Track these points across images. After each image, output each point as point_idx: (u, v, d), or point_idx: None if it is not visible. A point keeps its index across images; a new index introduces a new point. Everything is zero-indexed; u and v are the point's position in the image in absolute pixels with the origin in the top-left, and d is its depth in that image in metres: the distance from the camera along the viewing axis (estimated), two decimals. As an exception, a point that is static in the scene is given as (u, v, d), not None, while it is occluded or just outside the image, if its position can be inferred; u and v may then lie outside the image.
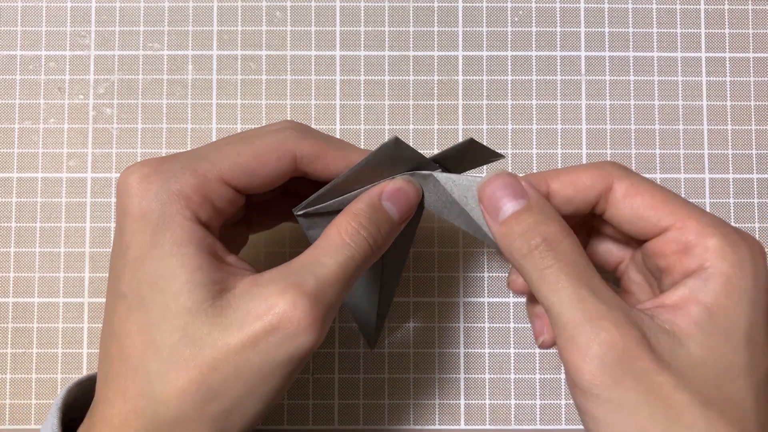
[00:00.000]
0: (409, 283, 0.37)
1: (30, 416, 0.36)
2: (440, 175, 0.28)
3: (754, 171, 0.38)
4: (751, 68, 0.38)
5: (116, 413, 0.24)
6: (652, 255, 0.26)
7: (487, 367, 0.37)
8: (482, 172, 0.38)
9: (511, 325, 0.37)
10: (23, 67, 0.38)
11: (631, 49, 0.38)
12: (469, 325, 0.37)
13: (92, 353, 0.36)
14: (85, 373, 0.36)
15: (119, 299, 0.25)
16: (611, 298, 0.24)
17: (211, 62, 0.38)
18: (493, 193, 0.26)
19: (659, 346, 0.23)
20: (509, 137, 0.38)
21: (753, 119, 0.38)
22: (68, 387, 0.28)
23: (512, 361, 0.37)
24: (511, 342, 0.37)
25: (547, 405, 0.36)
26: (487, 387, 0.37)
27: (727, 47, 0.38)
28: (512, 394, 0.36)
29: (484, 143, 0.34)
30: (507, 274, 0.37)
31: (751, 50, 0.38)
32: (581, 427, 0.36)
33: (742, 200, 0.37)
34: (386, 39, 0.38)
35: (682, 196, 0.37)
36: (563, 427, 0.36)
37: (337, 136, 0.37)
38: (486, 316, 0.37)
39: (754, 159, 0.38)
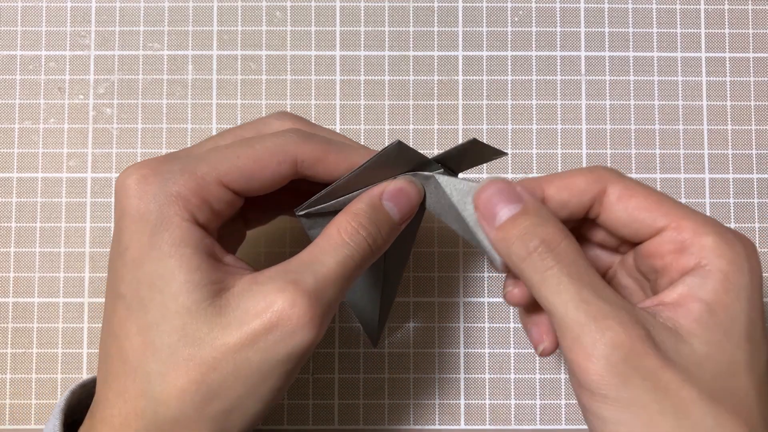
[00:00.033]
0: (409, 283, 0.37)
1: (30, 416, 0.36)
2: (441, 178, 0.28)
3: (754, 171, 0.38)
4: (751, 68, 0.38)
5: (116, 414, 0.24)
6: (647, 256, 0.26)
7: (487, 367, 0.37)
8: (484, 171, 0.38)
9: (511, 325, 0.37)
10: (23, 67, 0.38)
11: (631, 49, 0.38)
12: (469, 325, 0.37)
13: (92, 353, 0.36)
14: (85, 372, 0.36)
15: (118, 300, 0.25)
16: (613, 297, 0.24)
17: (211, 62, 0.38)
18: (488, 199, 0.26)
19: (663, 343, 0.23)
20: (509, 137, 0.38)
21: (753, 119, 0.38)
22: (72, 389, 0.28)
23: (512, 361, 0.37)
24: (511, 342, 0.37)
25: (547, 405, 0.36)
26: (487, 387, 0.37)
27: (727, 47, 0.38)
28: (512, 394, 0.36)
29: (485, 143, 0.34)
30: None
31: (751, 50, 0.38)
32: (581, 427, 0.36)
33: (742, 200, 0.37)
34: (386, 39, 0.38)
35: (682, 196, 0.37)
36: (563, 427, 0.36)
37: (337, 136, 0.37)
38: (486, 316, 0.37)
39: (754, 159, 0.38)
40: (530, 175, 0.37)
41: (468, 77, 0.38)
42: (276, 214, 0.32)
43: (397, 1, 0.38)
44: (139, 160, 0.37)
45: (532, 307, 0.28)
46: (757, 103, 0.38)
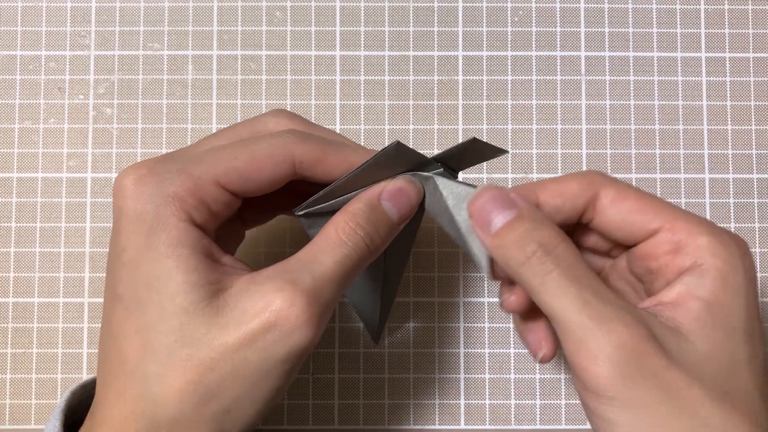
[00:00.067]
0: (409, 283, 0.37)
1: (30, 416, 0.36)
2: (440, 180, 0.27)
3: (754, 171, 0.38)
4: (751, 68, 0.38)
5: (116, 415, 0.24)
6: (641, 258, 0.26)
7: (487, 367, 0.37)
8: (484, 170, 0.38)
9: (511, 325, 0.37)
10: (23, 67, 0.38)
11: (631, 49, 0.38)
12: (469, 325, 0.37)
13: (92, 353, 0.36)
14: (85, 372, 0.36)
15: (116, 301, 0.25)
16: (614, 298, 0.24)
17: (211, 62, 0.38)
18: (482, 206, 0.26)
19: (667, 343, 0.23)
20: (509, 137, 0.38)
21: (753, 119, 0.38)
22: (72, 389, 0.28)
23: (512, 361, 0.37)
24: (511, 342, 0.37)
25: (547, 405, 0.36)
26: (487, 387, 0.37)
27: (727, 47, 0.38)
28: (512, 394, 0.36)
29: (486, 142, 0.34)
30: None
31: (751, 50, 0.38)
32: (581, 427, 0.36)
33: (742, 200, 0.37)
34: (386, 39, 0.38)
35: (682, 196, 0.37)
36: (563, 427, 0.36)
37: (337, 136, 0.37)
38: (486, 316, 0.37)
39: (754, 159, 0.38)
40: (530, 176, 0.37)
41: (468, 77, 0.38)
42: (274, 215, 0.32)
43: (397, 1, 0.38)
44: (139, 160, 0.37)
45: (528, 314, 0.28)
46: (757, 103, 0.38)
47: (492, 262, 0.27)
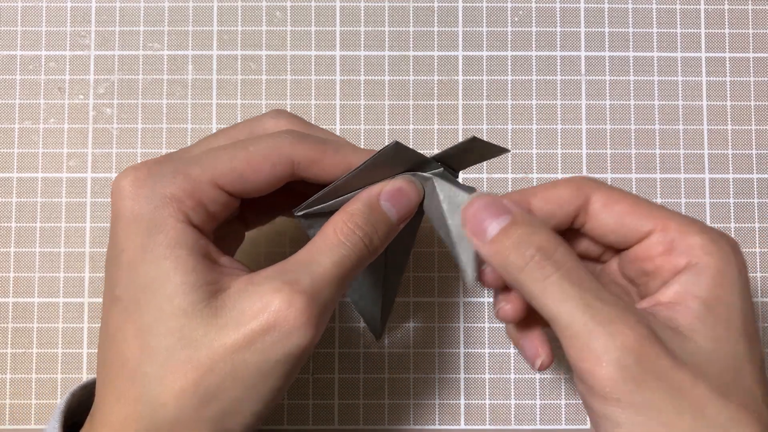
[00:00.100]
0: (409, 283, 0.37)
1: (30, 416, 0.36)
2: (439, 182, 0.27)
3: (754, 171, 0.38)
4: (751, 68, 0.38)
5: (115, 417, 0.24)
6: (635, 260, 0.26)
7: (487, 367, 0.37)
8: (484, 170, 0.38)
9: (511, 325, 0.37)
10: (23, 67, 0.38)
11: (631, 49, 0.38)
12: (469, 325, 0.37)
13: (92, 353, 0.36)
14: (85, 372, 0.36)
15: (114, 303, 0.25)
16: (615, 300, 0.24)
17: (211, 62, 0.38)
18: (475, 214, 0.25)
19: (670, 343, 0.23)
20: (509, 137, 0.38)
21: (753, 119, 0.38)
22: (72, 390, 0.28)
23: (512, 361, 0.37)
24: (511, 342, 0.37)
25: (547, 405, 0.36)
26: (487, 387, 0.37)
27: (727, 47, 0.38)
28: (512, 394, 0.36)
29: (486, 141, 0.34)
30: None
31: (751, 50, 0.38)
32: (581, 427, 0.36)
33: (742, 200, 0.37)
34: (386, 39, 0.38)
35: (682, 196, 0.37)
36: (563, 427, 0.36)
37: (337, 136, 0.37)
38: (486, 316, 0.37)
39: (754, 159, 0.38)
40: (530, 176, 0.37)
41: (468, 77, 0.38)
42: (274, 216, 0.32)
43: (397, 1, 0.38)
44: (139, 160, 0.37)
45: (523, 322, 0.28)
46: (757, 103, 0.38)
47: (481, 271, 0.26)
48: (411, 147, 0.27)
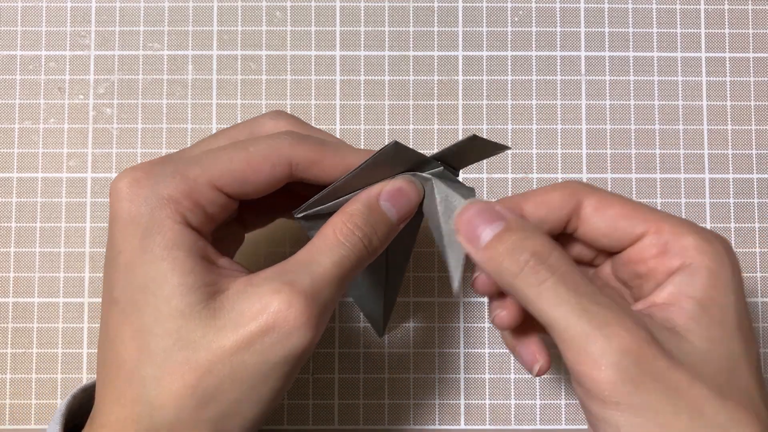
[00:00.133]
0: (409, 283, 0.37)
1: (30, 416, 0.36)
2: (438, 184, 0.27)
3: (754, 171, 0.38)
4: (751, 68, 0.38)
5: (114, 419, 0.24)
6: (629, 263, 0.26)
7: (487, 367, 0.37)
8: (484, 170, 0.38)
9: (511, 325, 0.37)
10: (23, 67, 0.38)
11: (631, 49, 0.38)
12: (469, 325, 0.37)
13: (92, 353, 0.36)
14: (84, 372, 0.36)
15: (113, 305, 0.25)
16: (612, 303, 0.24)
17: (211, 62, 0.38)
18: (469, 221, 0.25)
19: (666, 343, 0.23)
20: (509, 137, 0.38)
21: (753, 119, 0.38)
22: (73, 393, 0.28)
23: (512, 361, 0.37)
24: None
25: (547, 405, 0.36)
26: (487, 387, 0.37)
27: (727, 47, 0.38)
28: (512, 394, 0.36)
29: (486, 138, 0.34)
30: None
31: (751, 50, 0.38)
32: (581, 427, 0.36)
33: (742, 200, 0.37)
34: (386, 39, 0.38)
35: (682, 196, 0.37)
36: (563, 427, 0.36)
37: (337, 136, 0.37)
38: (486, 317, 0.37)
39: (754, 159, 0.38)
40: (530, 176, 0.37)
41: (468, 77, 0.38)
42: (274, 217, 0.32)
43: (397, 1, 0.38)
44: (139, 160, 0.37)
45: (519, 328, 0.28)
46: (757, 103, 0.38)
47: (474, 278, 0.26)
48: (411, 147, 0.27)
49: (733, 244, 0.37)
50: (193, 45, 0.38)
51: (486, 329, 0.37)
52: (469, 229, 0.25)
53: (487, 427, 0.36)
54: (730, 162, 0.38)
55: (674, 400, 0.22)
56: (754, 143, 0.38)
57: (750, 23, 0.38)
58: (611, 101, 0.38)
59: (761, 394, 0.24)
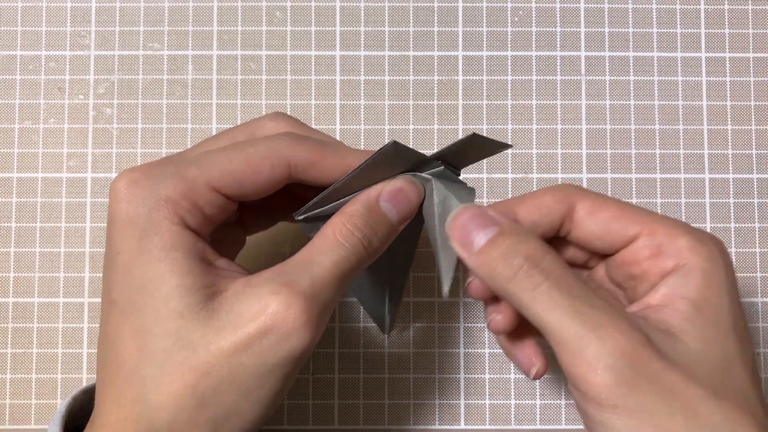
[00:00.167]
0: (409, 283, 0.37)
1: (30, 416, 0.36)
2: (437, 186, 0.27)
3: (754, 171, 0.38)
4: (751, 68, 0.38)
5: (114, 420, 0.24)
6: (622, 265, 0.26)
7: (487, 367, 0.37)
8: (484, 169, 0.38)
9: (511, 325, 0.37)
10: (23, 67, 0.38)
11: (631, 49, 0.38)
12: (469, 325, 0.37)
13: (92, 353, 0.36)
14: (84, 372, 0.36)
15: (112, 305, 0.25)
16: (605, 306, 0.23)
17: (211, 62, 0.38)
18: (462, 226, 0.25)
19: (661, 345, 0.23)
20: (509, 137, 0.38)
21: (753, 119, 0.38)
22: (74, 394, 0.28)
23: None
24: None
25: (547, 405, 0.36)
26: (487, 387, 0.37)
27: (727, 47, 0.38)
28: (512, 394, 0.36)
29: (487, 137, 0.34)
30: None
31: (751, 50, 0.38)
32: (581, 427, 0.36)
33: (742, 200, 0.37)
34: (386, 39, 0.38)
35: (682, 196, 0.37)
36: (563, 427, 0.36)
37: (337, 137, 0.37)
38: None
39: (754, 159, 0.38)
40: (530, 176, 0.37)
41: (468, 77, 0.38)
42: (274, 220, 0.31)
43: (397, 1, 0.38)
44: (139, 160, 0.37)
45: (515, 332, 0.28)
46: (757, 103, 0.38)
47: (468, 283, 0.26)
48: (411, 147, 0.27)
49: (733, 244, 0.37)
50: (193, 45, 0.38)
51: (486, 329, 0.37)
52: (462, 234, 0.25)
53: (487, 427, 0.36)
54: (730, 162, 0.38)
55: (669, 402, 0.22)
56: (754, 143, 0.38)
57: (750, 23, 0.38)
58: (611, 101, 0.38)
59: (756, 394, 0.24)
